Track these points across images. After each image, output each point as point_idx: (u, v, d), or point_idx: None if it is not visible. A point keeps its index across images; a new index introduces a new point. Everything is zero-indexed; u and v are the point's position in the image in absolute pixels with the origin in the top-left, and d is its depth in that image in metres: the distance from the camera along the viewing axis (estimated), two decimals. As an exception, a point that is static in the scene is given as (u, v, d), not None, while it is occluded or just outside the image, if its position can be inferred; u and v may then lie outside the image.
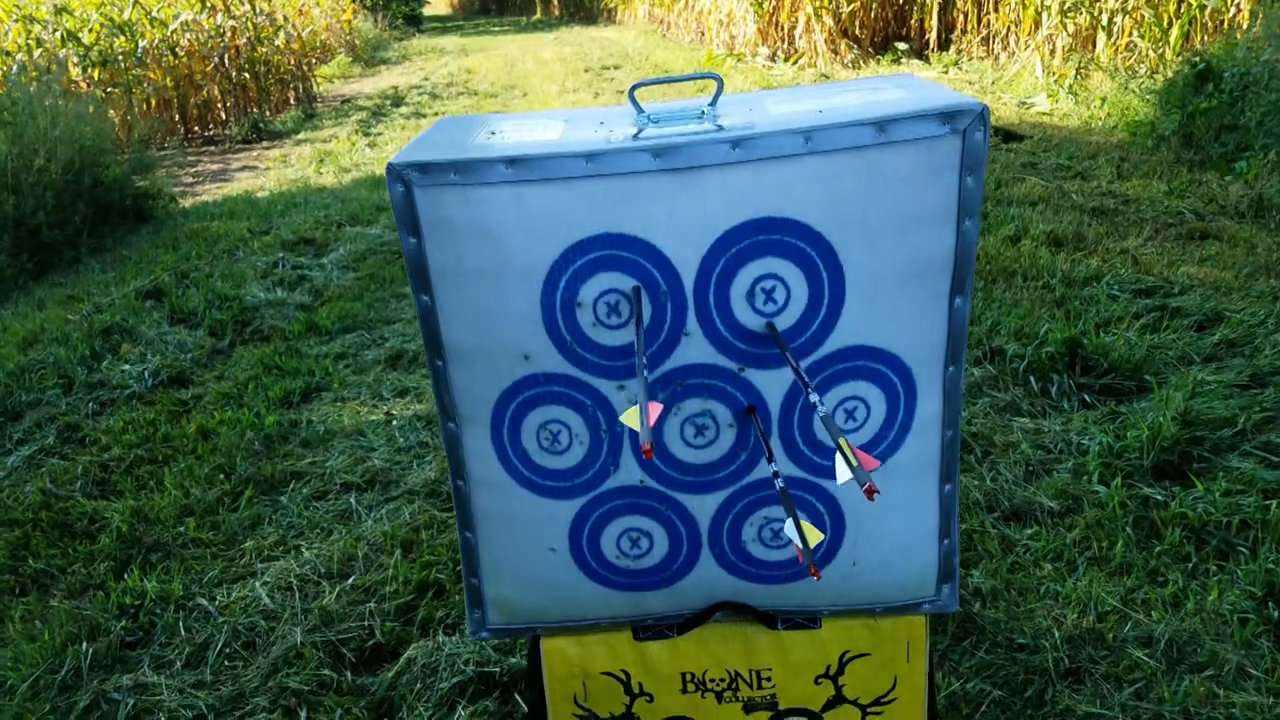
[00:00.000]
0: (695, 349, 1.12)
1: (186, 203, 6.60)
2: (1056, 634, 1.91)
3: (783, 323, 1.10)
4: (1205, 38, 6.91)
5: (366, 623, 2.11)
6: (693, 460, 1.17)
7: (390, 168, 1.08)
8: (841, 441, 0.78)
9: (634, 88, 1.17)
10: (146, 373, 3.56)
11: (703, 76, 1.19)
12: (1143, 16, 7.54)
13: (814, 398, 0.89)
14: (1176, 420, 2.58)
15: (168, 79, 9.44)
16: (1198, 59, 5.66)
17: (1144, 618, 1.95)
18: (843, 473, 0.78)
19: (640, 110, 1.17)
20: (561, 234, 1.08)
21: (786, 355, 1.03)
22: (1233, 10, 6.93)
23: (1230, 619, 1.93)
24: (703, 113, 1.16)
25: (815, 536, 0.85)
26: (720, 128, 1.09)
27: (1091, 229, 4.29)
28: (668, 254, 1.08)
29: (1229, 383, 2.83)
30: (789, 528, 0.85)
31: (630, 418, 0.83)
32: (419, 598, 2.18)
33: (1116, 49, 7.50)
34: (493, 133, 1.20)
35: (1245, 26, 6.49)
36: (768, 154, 1.05)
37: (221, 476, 2.81)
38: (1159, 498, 2.33)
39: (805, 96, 1.22)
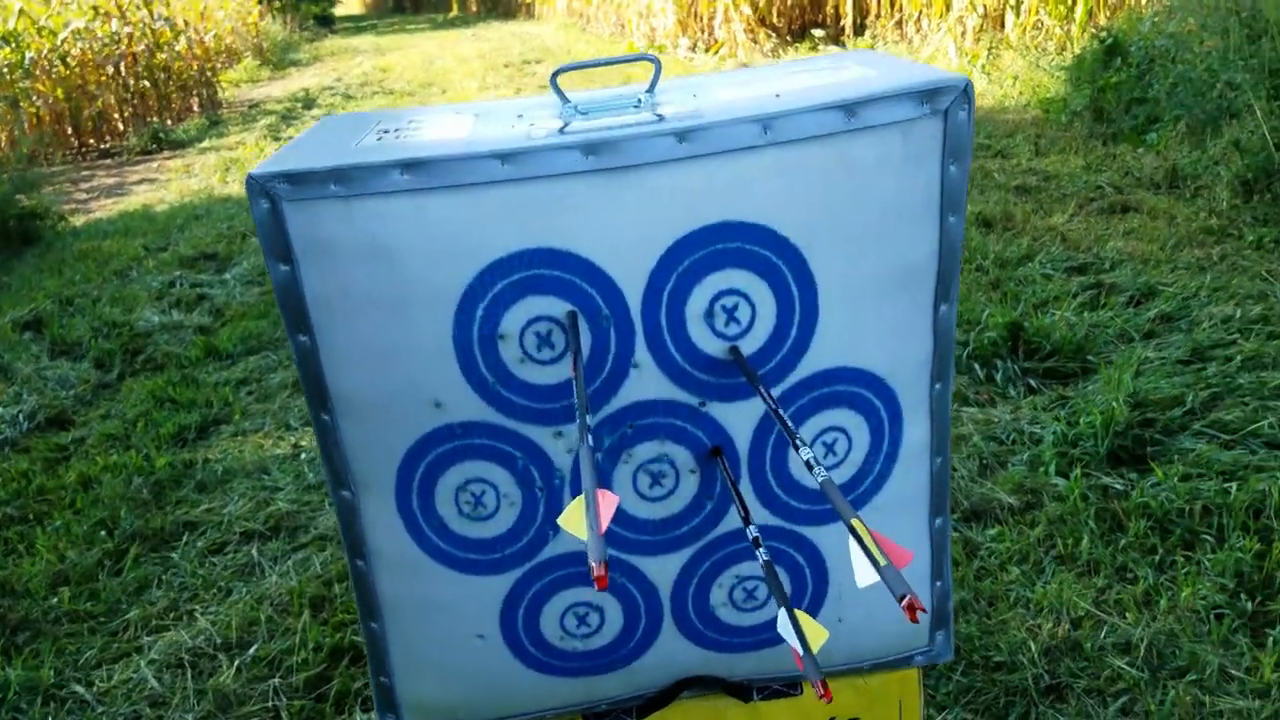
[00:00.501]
0: (647, 383, 0.93)
1: (78, 221, 6.13)
2: (1033, 647, 1.78)
3: (748, 346, 0.92)
4: (1108, 15, 7.01)
5: (271, 703, 1.84)
6: (649, 516, 0.98)
7: (251, 181, 0.86)
8: (857, 524, 0.59)
9: (556, 73, 0.98)
10: (21, 415, 3.20)
11: (639, 58, 1.00)
12: (1048, -4, 7.64)
13: (806, 454, 0.71)
14: (1127, 403, 2.50)
15: (58, 90, 8.86)
16: (1105, 34, 5.71)
17: (1119, 621, 1.84)
18: (864, 573, 0.59)
19: (565, 100, 0.97)
20: (475, 252, 0.88)
21: (760, 389, 0.85)
22: (1133, -10, 7.07)
23: (1206, 615, 1.83)
24: (639, 101, 0.97)
25: (819, 635, 0.67)
26: (661, 118, 0.90)
27: (1019, 208, 4.26)
28: (608, 271, 0.89)
29: (1172, 360, 2.78)
30: (783, 625, 0.67)
31: (571, 520, 0.63)
32: (332, 666, 1.91)
33: (1025, 28, 7.57)
34: (385, 131, 0.99)
35: (1146, 3, 6.60)
36: (720, 147, 0.87)
37: (104, 533, 2.49)
38: (1119, 487, 2.24)
39: (757, 79, 1.04)
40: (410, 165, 0.85)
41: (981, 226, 4.04)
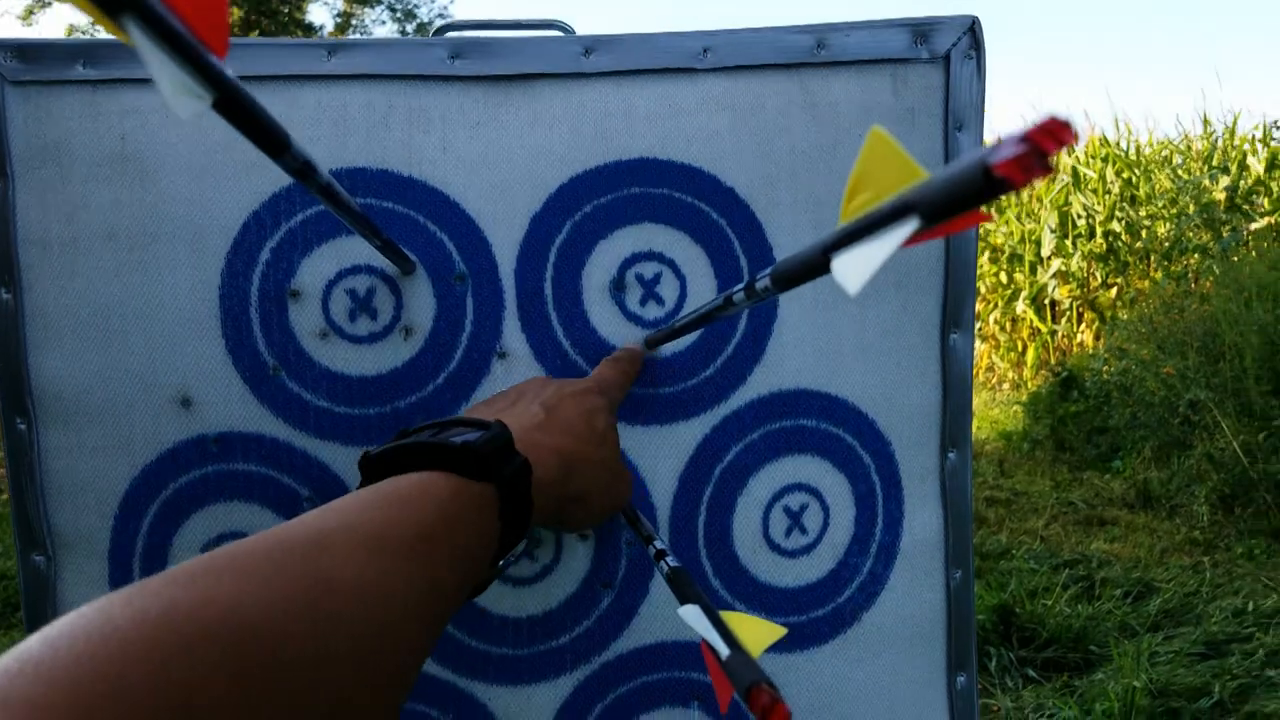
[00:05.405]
0: (519, 383, 0.61)
1: None
2: None
3: (676, 341, 0.62)
4: (1058, 358, 7.31)
5: None
6: (508, 612, 0.60)
7: (-32, 52, 0.60)
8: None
9: (440, 30, 0.76)
10: None
11: (548, 24, 0.79)
12: (998, 341, 8.01)
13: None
14: (1147, 691, 2.10)
15: None
16: (1060, 369, 5.86)
17: None
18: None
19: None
20: (268, 167, 0.59)
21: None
22: (1079, 335, 7.45)
23: None
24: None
25: (771, 634, 0.32)
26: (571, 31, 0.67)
27: (992, 512, 4.05)
28: (467, 209, 0.60)
29: (1185, 652, 2.42)
30: (692, 616, 0.32)
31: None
32: None
33: (978, 371, 7.86)
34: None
35: (1090, 350, 6.89)
36: (642, 64, 0.63)
37: None
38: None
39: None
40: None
41: (954, 521, 3.79)
